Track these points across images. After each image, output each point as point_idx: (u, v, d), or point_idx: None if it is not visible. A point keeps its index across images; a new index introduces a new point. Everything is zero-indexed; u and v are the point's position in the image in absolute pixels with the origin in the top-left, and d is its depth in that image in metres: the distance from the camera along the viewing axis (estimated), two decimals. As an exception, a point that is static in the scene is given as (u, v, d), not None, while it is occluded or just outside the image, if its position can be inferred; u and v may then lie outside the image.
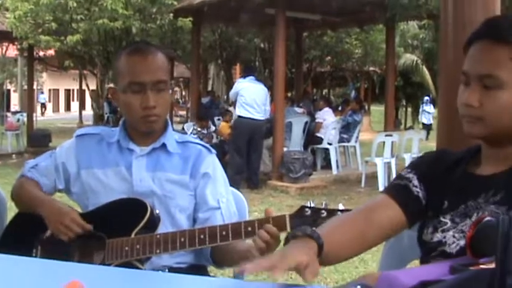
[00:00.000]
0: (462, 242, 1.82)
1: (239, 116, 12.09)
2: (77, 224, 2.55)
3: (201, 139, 12.26)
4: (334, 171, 14.14)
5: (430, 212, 2.02)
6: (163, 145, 2.75)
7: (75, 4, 17.00)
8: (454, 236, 1.89)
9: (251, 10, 15.29)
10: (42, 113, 54.07)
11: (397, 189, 2.08)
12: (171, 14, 17.51)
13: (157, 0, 17.72)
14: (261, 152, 12.73)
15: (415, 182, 2.07)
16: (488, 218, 1.41)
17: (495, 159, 1.95)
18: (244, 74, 12.99)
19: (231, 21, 19.87)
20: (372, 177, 13.06)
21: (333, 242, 1.85)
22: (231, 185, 2.90)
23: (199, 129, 12.87)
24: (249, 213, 3.01)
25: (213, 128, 13.38)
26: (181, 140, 2.82)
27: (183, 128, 15.30)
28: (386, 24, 16.53)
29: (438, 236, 1.93)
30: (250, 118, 12.00)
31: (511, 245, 1.08)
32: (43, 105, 56.96)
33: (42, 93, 57.06)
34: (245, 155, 12.21)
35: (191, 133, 12.63)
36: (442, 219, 1.95)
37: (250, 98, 11.99)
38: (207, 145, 2.88)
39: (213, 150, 2.86)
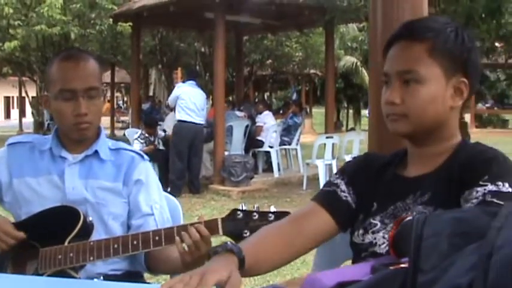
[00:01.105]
0: None
1: (180, 121, 12.01)
2: (9, 235, 2.50)
3: (147, 145, 12.24)
4: (276, 174, 14.21)
5: (360, 215, 2.05)
6: (96, 152, 2.73)
7: (11, 10, 16.80)
8: (383, 237, 1.93)
9: (191, 14, 15.28)
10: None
11: (326, 196, 2.12)
12: (111, 19, 17.43)
13: (97, 5, 17.63)
14: (201, 157, 12.71)
15: (343, 187, 2.12)
16: (409, 218, 1.44)
17: (421, 159, 2.00)
18: (186, 79, 12.98)
19: (171, 26, 19.83)
20: (314, 179, 13.12)
21: (258, 254, 1.88)
22: (172, 191, 2.90)
23: (147, 135, 12.79)
24: (191, 217, 3.01)
25: (162, 134, 13.29)
26: (115, 147, 2.81)
27: (124, 134, 15.18)
28: (325, 27, 16.66)
29: (369, 238, 1.97)
30: (191, 122, 11.98)
31: (424, 244, 1.10)
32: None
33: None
34: (186, 159, 12.18)
35: (138, 137, 12.53)
36: (372, 220, 1.99)
37: (191, 101, 11.97)
38: (141, 152, 2.88)
39: (146, 157, 2.86)
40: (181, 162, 12.07)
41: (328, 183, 2.16)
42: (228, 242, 1.82)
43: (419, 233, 1.13)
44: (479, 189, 1.77)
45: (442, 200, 1.85)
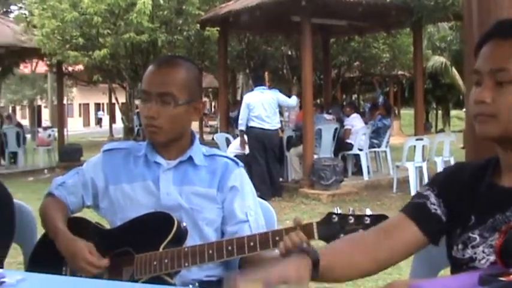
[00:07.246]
0: (492, 258, 1.76)
1: (250, 127, 12.32)
2: (92, 265, 2.51)
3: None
4: (366, 177, 14.11)
5: (458, 229, 1.97)
6: (190, 158, 2.73)
7: (100, 19, 17.14)
8: (483, 252, 1.84)
9: (277, 18, 15.30)
10: (101, 126, 59.71)
11: (415, 208, 2.05)
12: (198, 25, 17.60)
13: (183, 12, 17.82)
14: (275, 161, 12.79)
15: (433, 199, 2.03)
16: (517, 226, 1.37)
17: None
18: (254, 85, 13.15)
19: (258, 30, 19.89)
20: (404, 182, 12.98)
21: (335, 259, 1.86)
22: (258, 195, 2.87)
23: None
24: (280, 221, 2.98)
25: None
26: (209, 153, 2.80)
27: (212, 139, 15.33)
28: (412, 27, 16.40)
29: (469, 252, 1.88)
30: (259, 128, 12.20)
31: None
32: (100, 120, 63.22)
33: (99, 110, 65.10)
34: (264, 163, 12.30)
35: None
36: (470, 234, 1.89)
37: (258, 110, 12.22)
38: (235, 158, 2.86)
39: (241, 164, 2.83)
40: (258, 166, 12.19)
41: (418, 195, 2.08)
42: (304, 243, 1.80)
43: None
44: None
45: None
